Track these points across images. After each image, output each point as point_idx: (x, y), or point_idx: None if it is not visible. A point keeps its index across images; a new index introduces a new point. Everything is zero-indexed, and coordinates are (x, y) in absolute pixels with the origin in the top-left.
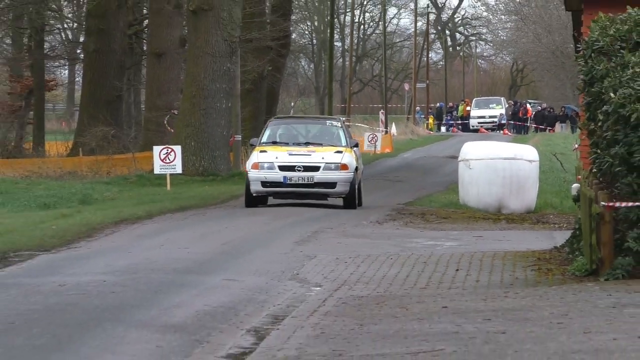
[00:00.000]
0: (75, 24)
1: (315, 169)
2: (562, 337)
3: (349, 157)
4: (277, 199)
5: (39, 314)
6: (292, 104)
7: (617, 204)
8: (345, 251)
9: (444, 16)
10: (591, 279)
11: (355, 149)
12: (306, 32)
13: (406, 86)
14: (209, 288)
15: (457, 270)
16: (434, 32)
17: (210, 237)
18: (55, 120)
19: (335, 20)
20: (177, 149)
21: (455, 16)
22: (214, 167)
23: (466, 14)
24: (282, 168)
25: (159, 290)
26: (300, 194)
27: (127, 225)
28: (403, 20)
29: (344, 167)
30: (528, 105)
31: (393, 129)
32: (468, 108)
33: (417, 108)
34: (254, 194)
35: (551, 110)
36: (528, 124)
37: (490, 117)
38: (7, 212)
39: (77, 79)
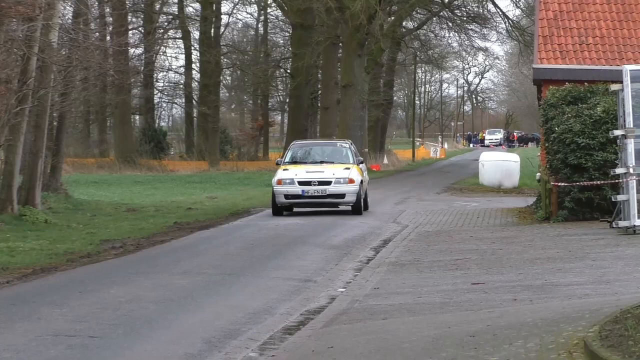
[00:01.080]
0: (283, 93)
1: (328, 183)
2: (530, 251)
3: (355, 173)
4: (297, 208)
5: (265, 239)
6: (394, 133)
7: (559, 184)
8: (420, 208)
9: (473, 87)
10: (545, 222)
11: (361, 165)
12: (402, 96)
13: (452, 123)
14: (351, 227)
15: (477, 217)
16: (467, 96)
17: None
18: (274, 141)
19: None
20: None
21: (478, 88)
22: None
23: (483, 87)
24: (301, 183)
25: (326, 228)
26: (315, 204)
27: None
28: (452, 90)
29: (351, 180)
30: (515, 133)
31: (445, 145)
32: (484, 134)
33: (458, 134)
34: (278, 205)
35: (526, 135)
36: (514, 143)
37: (495, 139)
38: (249, 189)
39: (284, 120)
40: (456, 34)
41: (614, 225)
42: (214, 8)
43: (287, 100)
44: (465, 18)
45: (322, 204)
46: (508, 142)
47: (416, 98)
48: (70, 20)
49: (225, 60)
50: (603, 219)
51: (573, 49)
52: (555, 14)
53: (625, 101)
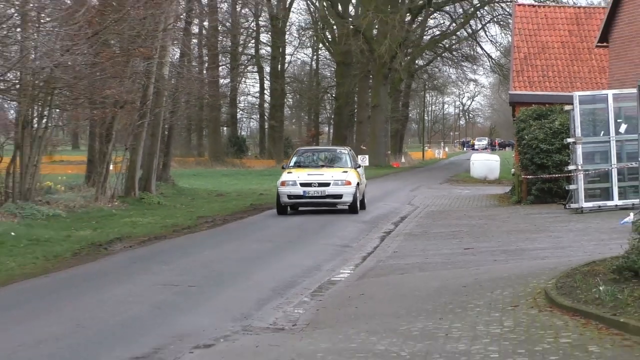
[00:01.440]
0: (330, 111)
1: (327, 184)
2: (507, 225)
3: (352, 176)
4: (299, 207)
5: (314, 217)
6: (409, 140)
7: (528, 177)
8: (428, 194)
9: (466, 107)
10: (517, 205)
11: (358, 169)
12: (414, 113)
13: (451, 133)
14: (377, 208)
15: (469, 201)
16: (461, 113)
17: (376, 186)
18: (322, 146)
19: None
20: (364, 157)
21: (470, 108)
22: (380, 162)
23: (473, 107)
24: (303, 184)
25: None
26: (315, 203)
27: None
28: (451, 109)
29: (347, 183)
30: (496, 140)
31: (446, 149)
32: (474, 141)
33: (455, 141)
34: (282, 204)
35: (505, 141)
36: (496, 147)
37: (482, 144)
38: None
39: (330, 131)
40: (454, 69)
41: (567, 207)
42: (280, 50)
43: (332, 116)
44: (460, 57)
45: (321, 204)
46: (491, 147)
47: (425, 115)
48: (177, 59)
49: (288, 87)
50: (559, 202)
51: (537, 80)
52: (524, 55)
53: (575, 118)
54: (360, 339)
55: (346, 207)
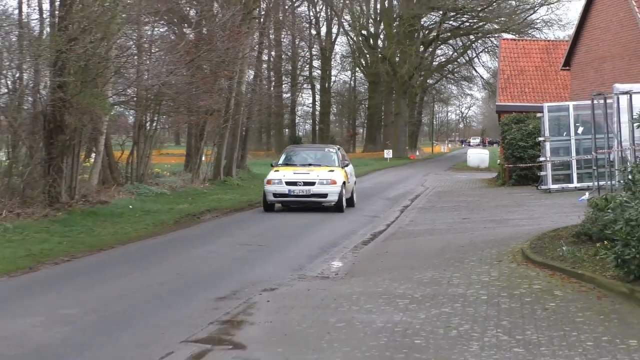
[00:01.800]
0: (363, 117)
1: (312, 183)
2: (494, 201)
3: (338, 175)
4: (284, 205)
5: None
6: (422, 139)
7: (509, 166)
8: (436, 178)
9: (464, 114)
10: (502, 187)
11: (346, 168)
12: (426, 119)
13: (453, 134)
14: (398, 189)
15: (466, 183)
16: (461, 119)
17: (397, 172)
18: (359, 142)
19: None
20: (388, 152)
21: (467, 115)
22: (400, 155)
23: (470, 114)
24: (288, 183)
25: (385, 188)
26: (301, 202)
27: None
28: (453, 116)
29: (333, 182)
30: (487, 138)
31: (449, 145)
32: (470, 140)
33: (456, 139)
34: (268, 202)
35: (493, 140)
36: (486, 144)
37: (476, 142)
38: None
39: (364, 132)
40: (455, 86)
41: (538, 188)
42: (327, 72)
43: (365, 121)
44: (460, 78)
45: (306, 203)
46: (483, 144)
47: (433, 120)
48: (251, 79)
49: (332, 99)
50: (533, 185)
51: (517, 95)
52: (507, 76)
53: (544, 122)
54: (385, 285)
55: (332, 205)
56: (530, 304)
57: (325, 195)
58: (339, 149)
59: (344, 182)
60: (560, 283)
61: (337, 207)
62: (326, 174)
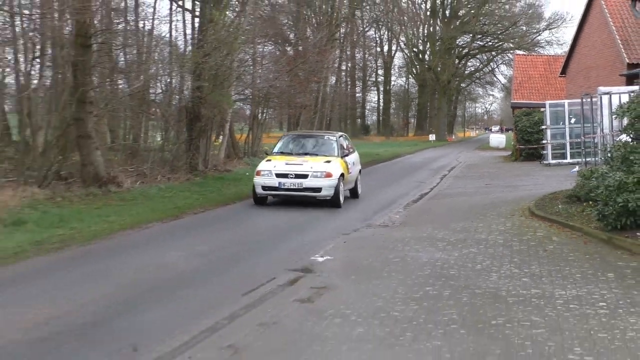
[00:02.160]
0: (414, 111)
1: (305, 176)
2: (510, 172)
3: (335, 167)
4: (275, 199)
5: (406, 165)
6: (456, 127)
7: (520, 147)
8: (466, 155)
9: (488, 110)
10: (515, 162)
11: (348, 157)
12: (460, 113)
13: (479, 123)
14: (439, 162)
15: (488, 159)
16: (485, 113)
17: (440, 151)
18: (411, 129)
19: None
20: (432, 136)
21: (490, 109)
22: (441, 139)
23: (491, 109)
24: (278, 175)
25: (430, 161)
26: (292, 196)
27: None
28: (480, 110)
29: (328, 175)
30: (504, 127)
31: (477, 131)
32: (492, 127)
33: (482, 127)
34: (258, 195)
35: (509, 127)
36: (504, 131)
37: (496, 129)
38: (404, 146)
39: (415, 121)
40: (481, 89)
41: (542, 163)
42: (388, 79)
43: (415, 114)
44: (485, 82)
45: (298, 197)
46: (501, 131)
47: (465, 113)
48: (333, 82)
49: (392, 98)
50: (537, 160)
51: (527, 95)
52: (519, 82)
53: (546, 115)
54: (429, 232)
55: (327, 200)
56: (535, 246)
57: (319, 190)
58: (340, 136)
59: (342, 175)
60: (556, 231)
61: (333, 203)
62: (321, 165)
